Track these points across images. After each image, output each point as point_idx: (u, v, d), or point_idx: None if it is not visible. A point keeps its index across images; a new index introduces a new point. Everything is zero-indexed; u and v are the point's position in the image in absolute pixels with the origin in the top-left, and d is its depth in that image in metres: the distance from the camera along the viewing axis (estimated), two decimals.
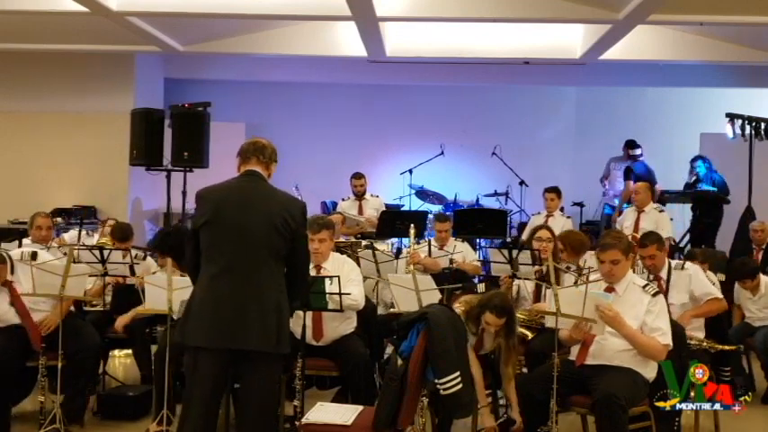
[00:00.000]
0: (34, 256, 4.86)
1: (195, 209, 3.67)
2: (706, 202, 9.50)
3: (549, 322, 4.26)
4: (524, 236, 8.22)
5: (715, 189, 9.51)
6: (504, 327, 4.46)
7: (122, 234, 6.25)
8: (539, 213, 8.59)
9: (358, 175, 9.14)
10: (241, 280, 3.45)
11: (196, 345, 3.45)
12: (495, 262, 5.93)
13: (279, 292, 3.52)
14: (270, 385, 3.54)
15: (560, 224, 7.93)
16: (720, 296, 5.22)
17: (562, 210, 8.49)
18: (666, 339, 4.10)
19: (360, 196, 9.09)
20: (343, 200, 9.29)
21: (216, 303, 3.44)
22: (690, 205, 9.76)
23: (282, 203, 3.61)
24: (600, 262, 4.32)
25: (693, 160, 9.88)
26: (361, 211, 8.94)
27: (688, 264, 5.31)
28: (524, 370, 5.14)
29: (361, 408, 3.83)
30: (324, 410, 3.80)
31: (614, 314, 4.03)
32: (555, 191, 8.43)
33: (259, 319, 3.42)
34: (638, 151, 10.09)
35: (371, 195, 9.25)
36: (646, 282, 4.43)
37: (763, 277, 6.20)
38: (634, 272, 5.20)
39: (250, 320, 3.41)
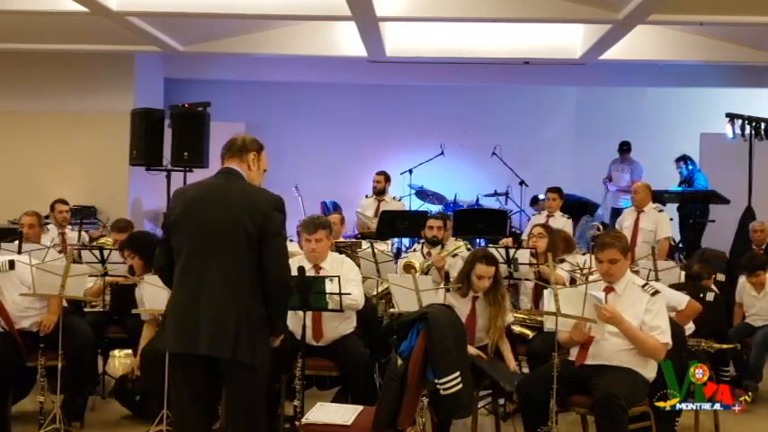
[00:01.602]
0: (12, 265, 4.79)
1: (168, 209, 3.56)
2: (703, 202, 9.53)
3: (549, 323, 4.26)
4: (525, 235, 8.22)
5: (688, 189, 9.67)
6: (493, 278, 4.71)
7: (121, 225, 6.35)
8: (539, 213, 8.58)
9: (379, 173, 9.10)
10: (200, 282, 3.33)
11: (167, 349, 3.42)
12: None
13: (244, 297, 3.31)
14: (247, 398, 3.36)
15: (561, 224, 7.93)
16: (688, 299, 5.09)
17: (563, 210, 8.48)
18: (666, 338, 4.10)
19: (378, 195, 9.02)
20: (366, 196, 9.26)
21: (178, 306, 3.37)
22: (676, 205, 9.81)
23: (252, 200, 3.37)
24: (598, 261, 4.32)
25: (677, 160, 9.91)
26: (377, 213, 8.89)
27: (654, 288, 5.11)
28: (525, 370, 5.16)
29: (360, 408, 3.82)
30: (324, 410, 3.80)
31: (612, 312, 4.03)
32: (557, 191, 8.42)
33: (211, 324, 3.26)
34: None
35: (393, 198, 9.19)
36: (645, 281, 4.43)
37: None
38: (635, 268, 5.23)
39: (202, 324, 3.27)
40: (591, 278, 4.92)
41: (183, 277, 3.38)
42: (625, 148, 10.54)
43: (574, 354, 4.32)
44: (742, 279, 6.38)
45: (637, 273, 5.23)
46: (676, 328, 4.56)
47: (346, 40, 9.32)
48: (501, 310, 4.74)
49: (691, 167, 9.84)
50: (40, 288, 4.66)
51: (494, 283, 4.75)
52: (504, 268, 5.80)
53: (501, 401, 5.10)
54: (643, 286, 4.25)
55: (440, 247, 6.33)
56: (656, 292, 4.21)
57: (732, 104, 9.87)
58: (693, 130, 10.93)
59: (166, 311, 3.47)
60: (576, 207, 9.86)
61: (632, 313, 4.13)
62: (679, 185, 9.91)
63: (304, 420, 3.69)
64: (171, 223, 3.46)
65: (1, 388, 4.76)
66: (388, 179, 9.13)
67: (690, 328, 5.14)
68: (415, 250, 6.56)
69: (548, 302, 4.24)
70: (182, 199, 3.49)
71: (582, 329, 4.08)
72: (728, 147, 9.46)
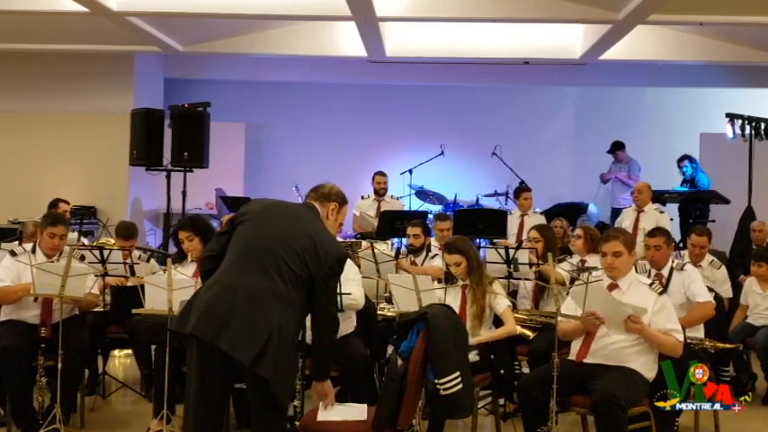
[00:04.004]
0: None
1: (243, 207, 3.69)
2: (703, 202, 9.53)
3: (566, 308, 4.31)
4: (508, 236, 8.23)
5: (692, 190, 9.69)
6: (468, 266, 4.84)
7: (126, 231, 6.15)
8: (511, 213, 8.66)
9: (381, 173, 9.18)
10: (245, 282, 3.35)
11: (183, 330, 3.36)
12: (492, 262, 5.93)
13: (284, 318, 3.33)
14: (260, 411, 3.38)
15: (538, 221, 8.02)
16: (709, 300, 5.18)
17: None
18: (681, 336, 4.18)
19: (380, 195, 9.06)
20: (362, 197, 9.25)
21: (213, 294, 3.35)
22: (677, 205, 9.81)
23: (325, 245, 3.48)
24: (602, 255, 4.33)
25: (680, 160, 9.91)
26: (378, 213, 8.90)
27: (688, 266, 5.32)
28: (525, 370, 5.16)
29: (365, 406, 3.81)
30: (333, 409, 3.77)
31: (642, 326, 4.06)
32: (530, 189, 8.65)
33: (243, 325, 3.26)
34: None
35: (392, 197, 9.24)
36: (651, 280, 4.44)
37: None
38: (636, 270, 5.25)
39: (233, 321, 3.26)
40: (594, 274, 4.91)
41: (230, 271, 3.42)
42: (612, 149, 10.55)
43: (574, 353, 4.32)
44: (749, 279, 6.36)
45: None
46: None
47: (346, 40, 9.32)
48: (482, 293, 4.79)
49: (694, 167, 9.83)
50: (40, 288, 4.66)
51: (469, 270, 4.83)
52: (503, 268, 5.82)
53: (501, 401, 5.11)
54: (650, 285, 4.27)
55: (425, 254, 6.39)
56: (662, 292, 4.23)
57: (732, 104, 9.87)
58: (693, 130, 10.92)
59: (196, 295, 3.46)
60: (570, 210, 9.92)
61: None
62: (681, 185, 9.90)
63: (319, 418, 3.67)
64: (242, 220, 3.55)
65: (22, 377, 4.74)
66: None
67: (697, 327, 5.14)
68: (403, 256, 6.58)
69: (567, 301, 4.31)
70: (261, 203, 3.70)
71: (593, 322, 4.10)
72: (728, 147, 9.46)
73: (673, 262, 5.33)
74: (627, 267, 4.30)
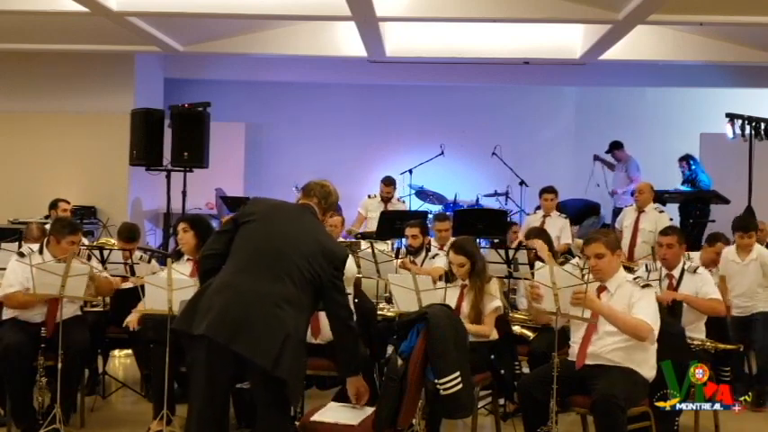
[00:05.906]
0: None
1: (245, 206, 3.71)
2: (704, 202, 9.54)
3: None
4: (520, 235, 8.18)
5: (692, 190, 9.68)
6: (470, 269, 4.82)
7: (129, 234, 6.12)
8: (534, 213, 8.57)
9: (389, 184, 8.98)
10: (257, 284, 3.36)
11: (189, 330, 3.34)
12: (492, 262, 5.92)
13: (297, 321, 3.38)
14: (270, 411, 3.39)
15: (559, 225, 7.93)
16: (721, 299, 5.20)
17: (559, 209, 8.43)
18: (651, 323, 4.04)
19: (388, 201, 9.04)
20: (369, 196, 9.21)
21: (224, 295, 3.34)
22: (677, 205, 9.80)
23: (330, 247, 3.58)
24: (585, 258, 4.33)
25: (681, 160, 9.91)
26: None
27: (701, 269, 5.29)
28: (525, 370, 5.16)
29: (369, 409, 3.81)
30: (334, 411, 3.77)
31: (589, 295, 4.03)
32: (553, 191, 8.30)
33: (260, 329, 3.28)
34: None
35: (398, 200, 9.26)
36: (636, 276, 4.42)
37: (757, 247, 6.11)
38: (648, 270, 5.25)
39: (247, 324, 3.27)
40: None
41: (241, 274, 3.42)
42: (610, 149, 10.54)
43: (574, 355, 4.32)
44: (726, 249, 6.23)
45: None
46: (676, 328, 4.56)
47: (346, 40, 9.32)
48: (479, 297, 4.77)
49: (694, 167, 9.83)
50: (40, 288, 4.66)
51: (472, 271, 4.81)
52: (503, 268, 5.82)
53: (501, 401, 5.11)
54: (634, 279, 4.27)
55: (424, 253, 6.38)
56: (646, 285, 4.20)
57: (732, 104, 9.85)
58: (693, 130, 10.93)
59: (200, 295, 3.44)
60: (580, 210, 9.87)
61: (623, 310, 4.13)
62: (682, 185, 9.90)
63: (314, 418, 3.68)
64: (246, 219, 3.57)
65: (23, 377, 4.74)
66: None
67: (699, 329, 5.14)
68: (403, 257, 6.57)
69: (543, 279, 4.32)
70: (265, 203, 3.72)
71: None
72: (728, 147, 9.45)
73: (684, 264, 5.27)
74: (611, 268, 4.25)
